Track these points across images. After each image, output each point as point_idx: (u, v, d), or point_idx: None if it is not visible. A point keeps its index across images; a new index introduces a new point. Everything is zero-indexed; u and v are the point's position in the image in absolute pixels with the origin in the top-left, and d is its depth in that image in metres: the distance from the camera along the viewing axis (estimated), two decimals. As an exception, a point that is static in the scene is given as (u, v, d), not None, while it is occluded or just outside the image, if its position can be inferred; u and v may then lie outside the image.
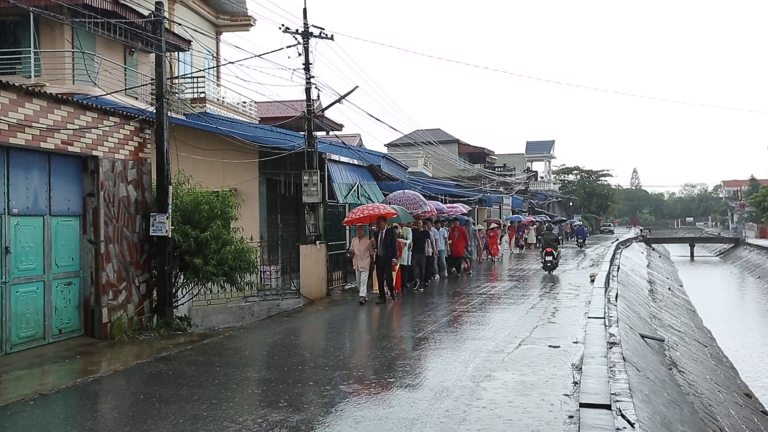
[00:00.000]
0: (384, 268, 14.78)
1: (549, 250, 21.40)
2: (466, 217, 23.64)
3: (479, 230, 27.82)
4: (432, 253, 18.32)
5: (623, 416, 5.94)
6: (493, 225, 30.20)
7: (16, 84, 9.35)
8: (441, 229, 20.03)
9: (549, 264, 21.33)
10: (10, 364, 8.86)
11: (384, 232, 14.79)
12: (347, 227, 19.06)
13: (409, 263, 16.84)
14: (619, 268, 24.89)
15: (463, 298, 15.98)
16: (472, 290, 17.52)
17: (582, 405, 6.18)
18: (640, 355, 10.48)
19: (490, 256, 27.83)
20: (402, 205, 17.73)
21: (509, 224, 36.61)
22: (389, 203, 17.80)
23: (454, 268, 21.49)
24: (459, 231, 21.29)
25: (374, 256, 14.99)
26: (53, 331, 10.17)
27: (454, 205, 24.88)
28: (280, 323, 12.48)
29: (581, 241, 40.64)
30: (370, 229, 15.54)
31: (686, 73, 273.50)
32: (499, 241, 29.42)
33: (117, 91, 16.37)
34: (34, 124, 9.41)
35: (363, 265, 15.03)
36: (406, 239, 16.78)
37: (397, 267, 15.49)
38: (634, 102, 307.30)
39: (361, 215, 15.44)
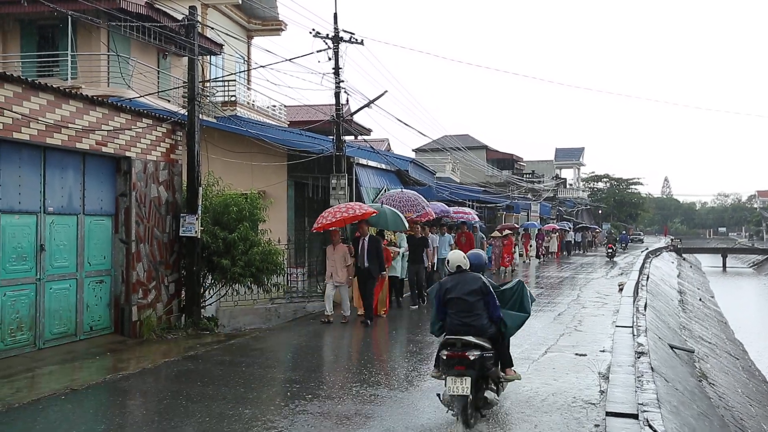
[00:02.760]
0: (367, 282, 12.53)
1: (611, 245, 37.84)
2: (474, 223, 21.03)
3: (493, 237, 25.22)
4: (429, 261, 15.79)
5: (651, 427, 5.87)
6: (507, 232, 26.91)
7: (54, 86, 9.57)
8: (447, 234, 18.03)
9: (610, 253, 36.75)
10: (43, 359, 9.06)
11: (367, 239, 12.58)
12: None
13: (404, 276, 14.78)
14: (648, 277, 24.51)
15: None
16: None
17: (608, 414, 6.12)
18: (668, 366, 10.32)
19: (503, 268, 24.84)
20: (399, 207, 14.94)
21: (523, 231, 32.83)
22: (382, 203, 15.22)
23: None
24: (466, 237, 19.24)
25: (355, 268, 12.64)
26: (85, 328, 10.36)
27: (465, 209, 22.11)
28: (306, 325, 12.55)
29: (623, 246, 48.02)
30: (356, 235, 13.04)
31: (721, 81, 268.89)
32: (513, 249, 26.48)
33: (150, 94, 16.64)
34: (70, 125, 9.62)
35: (339, 279, 12.56)
36: (400, 247, 14.66)
37: (385, 281, 13.30)
38: (666, 109, 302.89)
39: (334, 219, 12.83)
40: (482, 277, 6.66)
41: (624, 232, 56.81)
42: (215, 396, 7.30)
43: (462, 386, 5.96)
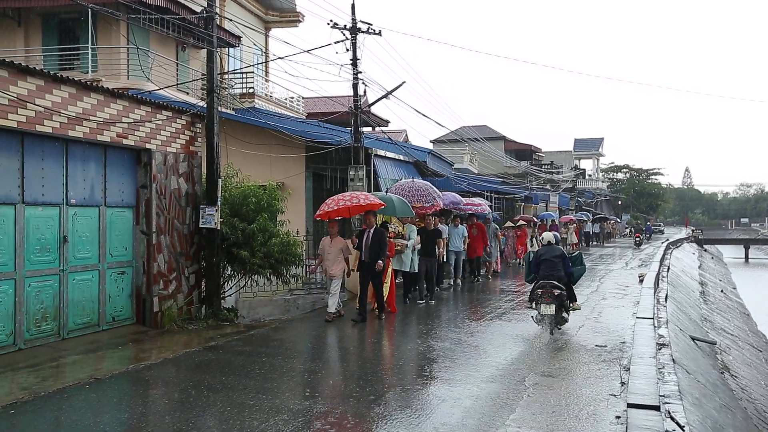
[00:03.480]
0: (372, 278, 11.85)
1: (638, 234, 44.20)
2: (486, 214, 20.14)
3: (505, 228, 24.52)
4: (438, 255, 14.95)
5: (672, 419, 5.81)
6: (521, 223, 26.13)
7: (75, 79, 9.65)
8: (460, 226, 17.33)
9: (637, 241, 42.71)
10: (67, 349, 9.20)
11: (372, 231, 11.83)
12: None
13: (415, 270, 13.90)
14: (669, 268, 24.27)
15: (492, 299, 15.82)
16: (501, 292, 17.34)
17: (630, 405, 6.07)
18: (690, 358, 10.23)
19: (517, 259, 24.37)
20: (409, 197, 14.47)
21: (540, 222, 32.41)
22: (387, 191, 14.90)
23: (472, 274, 18.70)
24: (478, 228, 18.47)
25: (357, 261, 12.12)
26: (107, 318, 10.49)
27: (476, 200, 21.13)
28: (325, 316, 12.59)
29: (648, 236, 52.69)
30: (362, 227, 12.36)
31: (744, 69, 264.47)
32: (531, 241, 25.65)
33: (169, 86, 16.74)
34: (91, 118, 9.71)
35: (335, 272, 11.96)
36: (408, 239, 13.69)
37: (389, 275, 12.55)
38: (688, 98, 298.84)
39: (337, 207, 12.14)
40: (561, 247, 11.14)
41: (648, 222, 62.06)
42: (236, 386, 7.36)
43: (549, 310, 10.07)
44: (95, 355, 9.04)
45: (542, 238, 11.09)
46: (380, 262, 11.66)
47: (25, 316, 8.99)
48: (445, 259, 15.76)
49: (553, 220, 35.95)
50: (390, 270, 12.61)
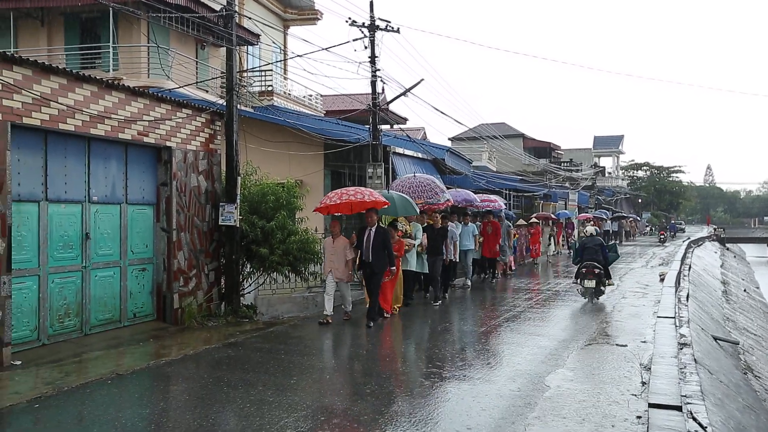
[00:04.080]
0: (372, 278, 11.22)
1: (662, 232, 47.54)
2: (500, 211, 19.44)
3: (518, 227, 23.74)
4: (452, 254, 14.77)
5: (695, 419, 5.75)
6: (533, 220, 25.25)
7: (97, 77, 9.76)
8: (471, 225, 16.84)
9: (662, 238, 45.98)
10: (90, 344, 9.31)
11: (374, 229, 11.17)
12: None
13: (423, 270, 13.55)
14: (690, 267, 24.00)
15: (506, 299, 15.73)
16: (514, 291, 17.23)
17: (651, 405, 6.02)
18: (712, 358, 10.10)
19: (531, 259, 24.14)
20: (409, 194, 13.79)
21: (558, 221, 31.41)
22: (388, 189, 14.15)
23: (486, 274, 18.26)
24: (492, 226, 17.89)
25: (358, 262, 11.51)
26: (128, 314, 10.60)
27: (491, 196, 20.45)
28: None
29: (673, 234, 55.39)
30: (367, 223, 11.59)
31: (766, 65, 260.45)
32: (549, 240, 25.42)
33: (189, 84, 16.86)
34: (112, 116, 9.81)
35: (339, 274, 11.39)
36: (415, 239, 13.27)
37: (397, 277, 12.00)
38: (709, 95, 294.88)
39: (339, 201, 11.38)
40: (600, 238, 15.03)
41: (673, 221, 65.58)
42: (255, 382, 7.40)
43: (591, 284, 13.79)
44: (117, 350, 9.14)
45: (585, 231, 15.30)
46: (393, 268, 11.21)
47: (48, 312, 9.11)
48: (456, 259, 15.38)
49: (568, 218, 35.19)
50: (399, 272, 12.16)
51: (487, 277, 18.29)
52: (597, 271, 13.71)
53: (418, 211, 13.33)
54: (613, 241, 17.81)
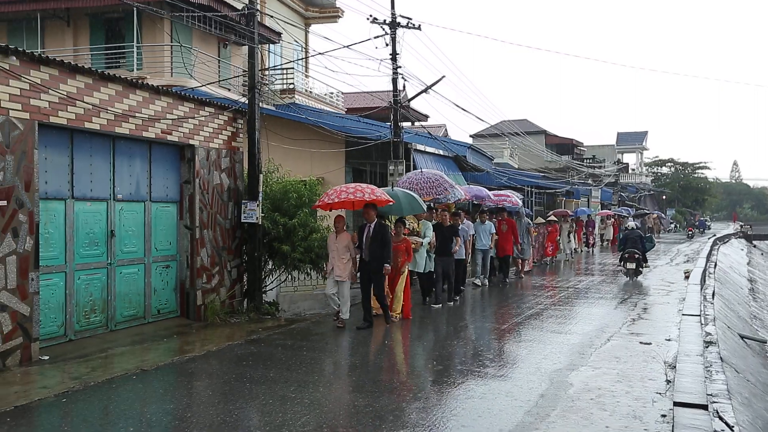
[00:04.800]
0: (371, 278, 10.65)
1: (690, 228, 51.29)
2: (516, 208, 18.54)
3: (536, 224, 22.51)
4: (464, 253, 14.17)
5: (721, 418, 5.67)
6: (551, 218, 24.03)
7: (122, 76, 9.88)
8: (487, 222, 16.17)
9: (690, 234, 48.61)
10: (115, 340, 9.44)
11: (372, 226, 10.69)
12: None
13: (430, 271, 12.91)
14: (716, 264, 23.64)
15: (524, 299, 15.60)
16: (533, 290, 17.10)
17: (676, 404, 5.94)
18: (739, 356, 9.95)
19: (546, 257, 23.14)
20: (417, 190, 13.23)
21: (577, 218, 29.78)
22: (393, 186, 13.71)
23: (500, 273, 17.40)
24: (507, 223, 17.18)
25: (359, 261, 10.90)
26: (152, 311, 10.73)
27: (506, 192, 19.51)
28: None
29: (701, 231, 55.93)
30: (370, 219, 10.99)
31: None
32: (569, 237, 24.46)
33: (211, 83, 17.00)
34: (137, 114, 9.93)
35: (341, 273, 10.69)
36: (423, 237, 12.71)
37: (404, 276, 11.48)
38: (736, 90, 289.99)
39: (338, 199, 10.82)
40: (639, 231, 19.20)
41: (701, 218, 65.37)
42: (278, 379, 7.45)
43: (632, 266, 17.80)
44: (141, 346, 9.26)
45: (627, 224, 20.63)
46: (387, 266, 10.50)
47: (75, 308, 9.26)
48: (470, 258, 14.85)
49: (589, 216, 34.33)
50: (406, 272, 11.57)
51: (503, 277, 17.29)
52: (637, 256, 17.72)
53: (425, 208, 12.74)
54: (649, 234, 23.09)
